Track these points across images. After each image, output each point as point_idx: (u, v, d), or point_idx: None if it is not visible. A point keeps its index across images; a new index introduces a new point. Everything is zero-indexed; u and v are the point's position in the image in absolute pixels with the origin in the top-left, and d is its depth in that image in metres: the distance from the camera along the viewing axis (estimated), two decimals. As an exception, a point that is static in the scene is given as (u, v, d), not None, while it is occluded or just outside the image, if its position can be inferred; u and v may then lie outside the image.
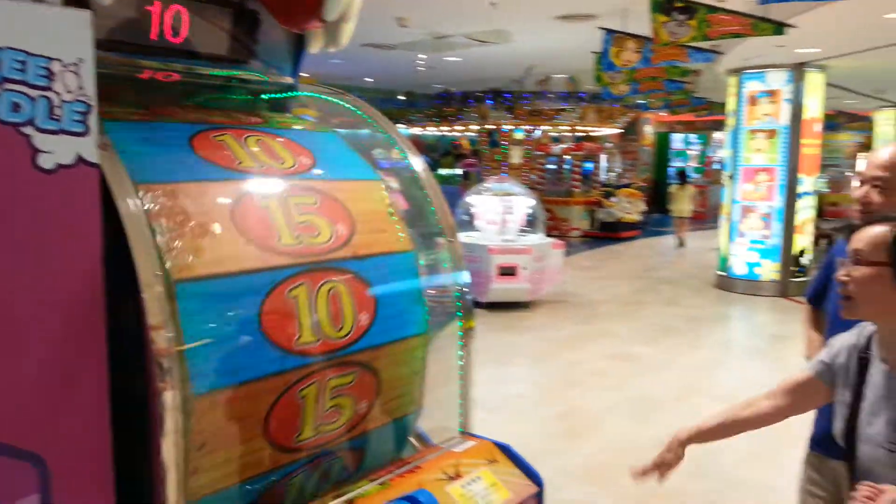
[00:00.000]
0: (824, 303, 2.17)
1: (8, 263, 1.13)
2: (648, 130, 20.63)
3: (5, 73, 1.11)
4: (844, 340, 1.60)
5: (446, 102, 13.99)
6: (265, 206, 1.62)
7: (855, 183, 2.10)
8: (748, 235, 8.85)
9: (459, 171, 16.40)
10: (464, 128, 14.56)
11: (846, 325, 1.94)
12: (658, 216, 17.79)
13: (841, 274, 1.49)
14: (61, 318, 1.20)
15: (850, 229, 1.51)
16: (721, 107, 13.25)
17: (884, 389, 1.46)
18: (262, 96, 2.23)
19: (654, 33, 5.50)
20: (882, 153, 1.97)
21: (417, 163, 2.08)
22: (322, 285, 1.60)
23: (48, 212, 1.18)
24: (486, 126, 14.11)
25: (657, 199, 19.20)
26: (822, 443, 2.03)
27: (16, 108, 1.12)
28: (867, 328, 1.56)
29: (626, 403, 4.81)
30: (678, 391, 5.09)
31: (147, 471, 1.34)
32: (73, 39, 1.19)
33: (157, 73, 1.84)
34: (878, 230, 1.45)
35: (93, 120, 1.23)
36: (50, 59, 1.16)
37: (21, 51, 1.12)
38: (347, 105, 2.14)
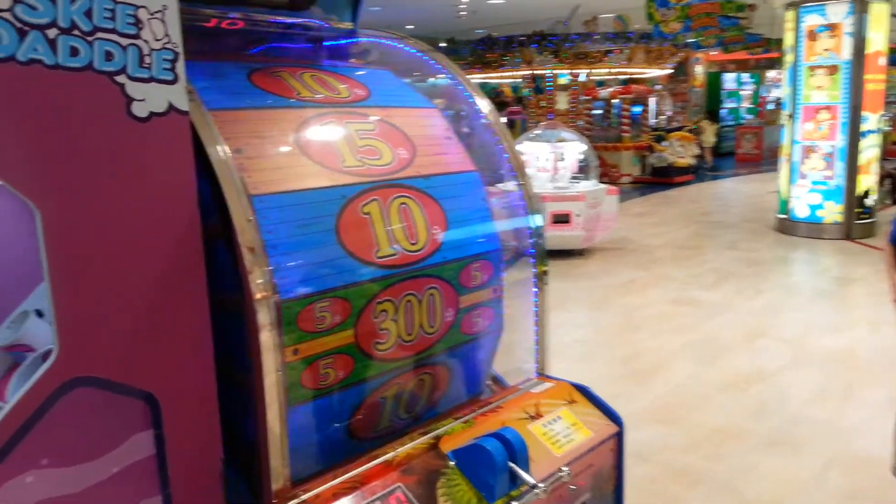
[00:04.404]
0: None
1: (109, 212, 1.16)
2: (699, 71, 19.89)
3: (97, 21, 1.12)
4: None
5: (489, 48, 13.63)
6: (326, 131, 1.64)
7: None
8: (810, 176, 8.54)
9: (503, 120, 16.13)
10: (509, 74, 14.25)
11: None
12: (712, 159, 17.30)
13: None
14: (163, 261, 1.23)
15: None
16: (776, 43, 12.70)
17: None
18: (323, 43, 2.22)
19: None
20: None
21: (484, 104, 2.05)
22: (393, 200, 1.61)
23: (145, 159, 1.20)
24: (531, 71, 13.78)
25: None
26: None
27: (108, 56, 1.14)
28: None
29: (690, 346, 4.77)
30: (744, 334, 5.01)
31: (248, 401, 1.39)
32: (158, -15, 1.19)
33: (223, 22, 1.84)
34: None
35: (180, 68, 1.24)
36: (136, 6, 1.16)
37: (110, -2, 1.13)
38: (407, 47, 2.11)
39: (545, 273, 1.97)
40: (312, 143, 1.59)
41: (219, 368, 1.35)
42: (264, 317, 1.30)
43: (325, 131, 1.64)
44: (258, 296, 1.30)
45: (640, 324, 5.28)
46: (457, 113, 2.12)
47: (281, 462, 1.36)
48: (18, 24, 1.02)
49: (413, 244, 1.63)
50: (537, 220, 1.97)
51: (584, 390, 1.89)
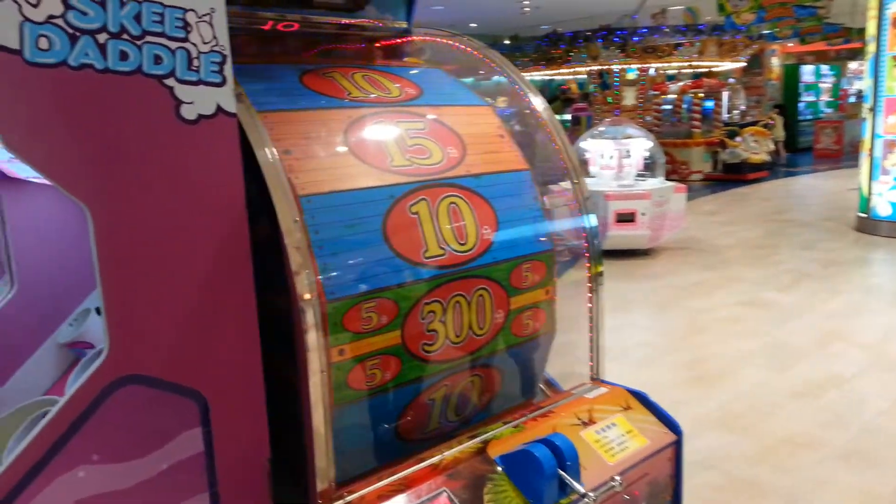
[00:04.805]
0: None
1: (158, 212, 1.18)
2: (775, 63, 19.11)
3: (145, 25, 1.14)
4: None
5: (553, 44, 13.42)
6: (375, 131, 1.64)
7: None
8: (892, 172, 8.06)
9: (568, 117, 15.93)
10: (575, 70, 14.01)
11: None
12: (789, 155, 16.62)
13: None
14: (210, 261, 1.25)
15: None
16: (858, 33, 12.04)
17: None
18: (377, 43, 2.22)
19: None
20: None
21: (538, 102, 2.01)
22: (442, 200, 1.59)
23: (193, 161, 1.21)
24: (597, 67, 13.51)
25: (787, 136, 17.92)
26: None
27: (157, 60, 1.15)
28: None
29: (760, 351, 4.57)
30: (819, 338, 4.77)
31: (294, 398, 1.40)
32: (206, -11, 1.20)
33: (279, 24, 1.86)
34: None
35: (228, 70, 1.25)
36: (185, 9, 1.18)
37: (158, 3, 1.15)
38: (462, 46, 2.10)
39: (600, 274, 1.91)
40: (361, 143, 1.59)
41: (268, 368, 1.36)
42: (310, 317, 1.30)
43: (373, 131, 1.63)
44: (304, 296, 1.30)
45: (707, 327, 5.10)
46: (513, 111, 2.09)
47: (326, 462, 1.36)
48: (70, 30, 1.05)
49: (462, 244, 1.61)
50: (592, 220, 1.91)
51: (640, 396, 1.83)
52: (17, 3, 0.99)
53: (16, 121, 1.01)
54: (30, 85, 1.02)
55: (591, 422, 1.70)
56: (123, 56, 1.11)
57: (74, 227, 1.55)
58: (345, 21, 1.98)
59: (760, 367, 4.32)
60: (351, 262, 1.44)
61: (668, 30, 12.72)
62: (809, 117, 18.38)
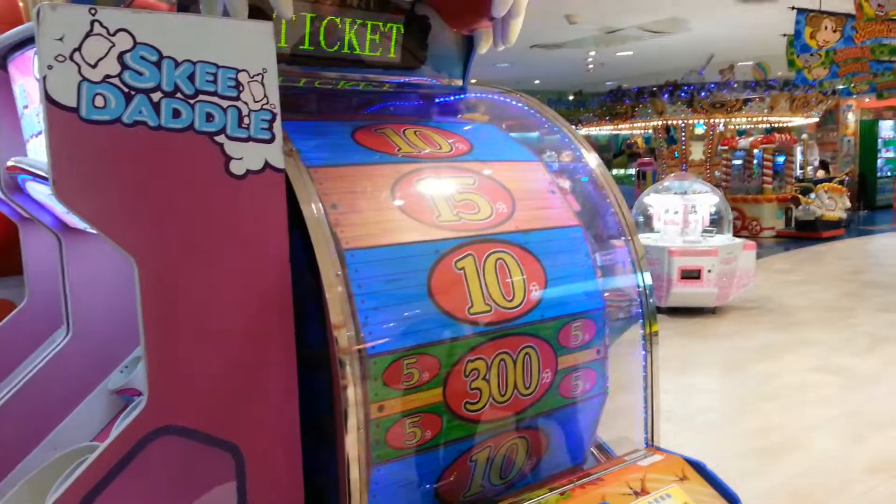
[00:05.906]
0: None
1: (204, 263, 1.20)
2: (851, 118, 18.55)
3: (199, 85, 1.18)
4: None
5: (618, 99, 13.44)
6: (423, 185, 1.64)
7: None
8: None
9: (633, 172, 15.82)
10: (639, 125, 13.95)
11: None
12: (866, 213, 15.96)
13: None
14: (252, 315, 1.26)
15: None
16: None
17: None
18: (434, 100, 2.26)
19: (857, 7, 4.89)
20: None
21: (592, 159, 1.99)
22: (489, 255, 1.57)
23: (240, 215, 1.24)
24: (662, 122, 13.41)
25: (864, 194, 17.24)
26: None
27: (209, 118, 1.19)
28: None
29: (834, 421, 4.29)
30: (899, 409, 4.46)
31: (330, 454, 1.37)
32: (258, 50, 1.24)
33: (338, 84, 1.91)
34: None
35: (278, 127, 1.28)
36: (237, 70, 1.22)
37: (212, 63, 1.19)
38: (515, 102, 2.11)
39: (655, 334, 1.84)
40: (408, 198, 1.59)
41: (306, 423, 1.35)
42: (349, 372, 1.29)
43: (421, 186, 1.64)
44: (344, 350, 1.29)
45: (776, 393, 4.83)
46: (566, 166, 2.08)
47: (361, 523, 1.32)
48: (125, 89, 1.10)
49: (509, 301, 1.58)
50: (646, 278, 1.86)
51: (697, 466, 1.73)
52: (76, 63, 1.04)
53: (70, 175, 1.06)
54: (84, 141, 1.06)
55: (643, 492, 1.61)
56: (176, 114, 1.15)
57: (130, 276, 1.60)
58: (401, 80, 2.02)
59: (833, 439, 4.04)
60: (393, 316, 1.43)
61: (736, 85, 12.55)
62: (889, 174, 17.67)
